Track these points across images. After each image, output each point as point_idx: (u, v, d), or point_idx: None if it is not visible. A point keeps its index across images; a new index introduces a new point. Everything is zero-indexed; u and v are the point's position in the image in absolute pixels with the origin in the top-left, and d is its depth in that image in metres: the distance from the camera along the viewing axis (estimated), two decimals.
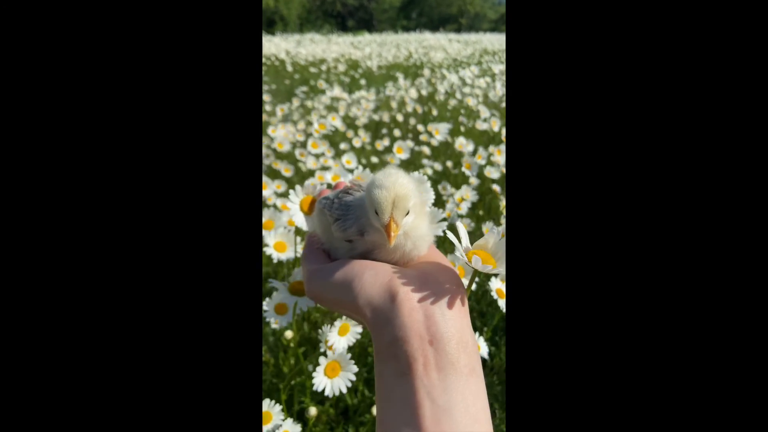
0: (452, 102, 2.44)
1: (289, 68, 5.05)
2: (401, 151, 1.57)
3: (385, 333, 0.29)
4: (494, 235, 0.36)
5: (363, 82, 4.29)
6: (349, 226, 0.34)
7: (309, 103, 2.26)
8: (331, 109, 2.23)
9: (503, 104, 2.52)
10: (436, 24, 25.82)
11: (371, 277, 0.31)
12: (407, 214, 0.32)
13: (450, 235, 0.35)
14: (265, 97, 2.44)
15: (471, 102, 2.16)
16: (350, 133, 1.85)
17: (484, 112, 1.96)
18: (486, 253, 0.36)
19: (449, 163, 1.60)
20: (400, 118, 2.08)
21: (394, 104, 2.29)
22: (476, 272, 0.35)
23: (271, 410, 0.63)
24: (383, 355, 0.29)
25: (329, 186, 0.76)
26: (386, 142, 1.81)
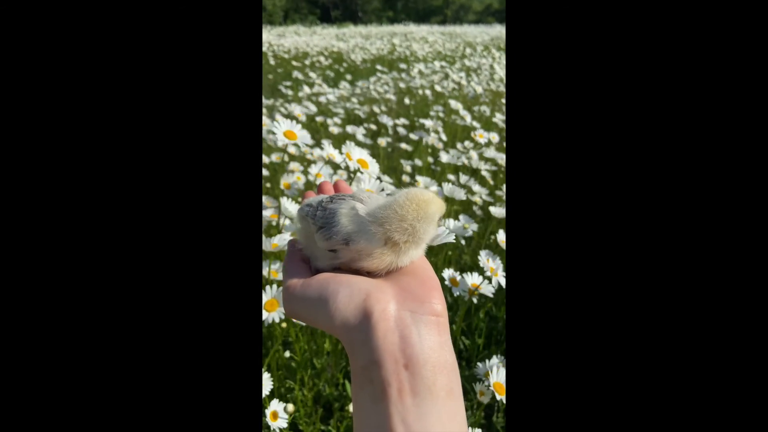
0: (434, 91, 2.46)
1: (272, 61, 5.03)
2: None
3: (360, 356, 0.28)
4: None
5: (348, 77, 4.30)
6: (335, 234, 0.33)
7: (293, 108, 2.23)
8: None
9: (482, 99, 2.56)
10: (421, 15, 25.75)
11: (346, 297, 0.30)
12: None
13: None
14: None
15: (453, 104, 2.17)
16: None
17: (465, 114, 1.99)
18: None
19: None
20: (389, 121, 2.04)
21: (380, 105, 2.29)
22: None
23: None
24: (358, 378, 0.28)
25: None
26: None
